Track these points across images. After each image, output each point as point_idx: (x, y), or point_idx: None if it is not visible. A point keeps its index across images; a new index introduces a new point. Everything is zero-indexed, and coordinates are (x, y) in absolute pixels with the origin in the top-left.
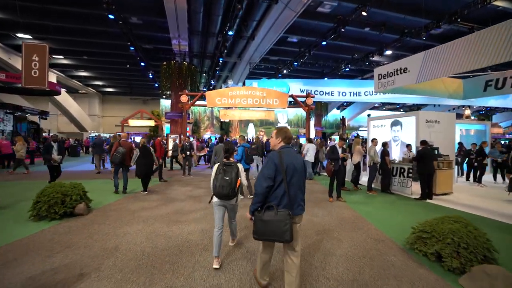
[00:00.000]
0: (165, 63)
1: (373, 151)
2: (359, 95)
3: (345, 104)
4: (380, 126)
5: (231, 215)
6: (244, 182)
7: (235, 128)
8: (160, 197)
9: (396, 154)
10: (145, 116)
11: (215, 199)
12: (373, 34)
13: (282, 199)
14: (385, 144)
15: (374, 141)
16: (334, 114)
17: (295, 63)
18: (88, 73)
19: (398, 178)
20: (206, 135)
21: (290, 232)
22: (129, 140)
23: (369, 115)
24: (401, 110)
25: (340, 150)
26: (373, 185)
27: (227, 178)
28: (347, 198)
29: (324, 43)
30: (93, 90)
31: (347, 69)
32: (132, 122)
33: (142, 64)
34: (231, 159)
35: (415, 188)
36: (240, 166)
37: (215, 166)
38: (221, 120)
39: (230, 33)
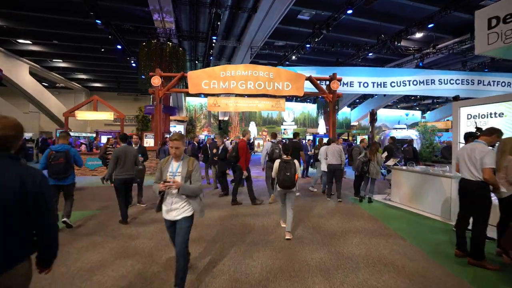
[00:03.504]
0: (144, 43)
1: None
2: (384, 86)
3: (356, 101)
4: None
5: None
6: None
7: (235, 128)
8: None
9: None
10: (108, 109)
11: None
12: (407, 4)
13: None
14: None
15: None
16: (343, 112)
17: (308, 45)
18: (68, 63)
19: None
20: (202, 136)
21: None
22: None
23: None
24: (416, 108)
25: None
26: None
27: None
28: None
29: (349, 11)
30: (78, 85)
31: (370, 54)
32: (83, 115)
33: (119, 47)
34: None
35: None
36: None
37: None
38: (210, 111)
39: None
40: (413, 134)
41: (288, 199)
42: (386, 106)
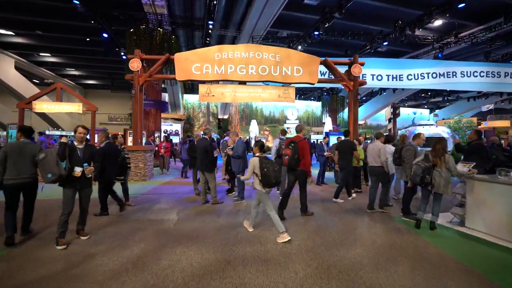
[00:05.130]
0: (132, 29)
1: None
2: (399, 79)
3: (363, 99)
4: None
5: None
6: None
7: (235, 127)
8: None
9: None
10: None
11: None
12: None
13: None
14: None
15: None
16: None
17: (316, 33)
18: (57, 58)
19: None
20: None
21: None
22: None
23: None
24: (425, 106)
25: None
26: None
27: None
28: None
29: None
30: (71, 82)
31: (385, 43)
32: (40, 106)
33: (105, 35)
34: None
35: None
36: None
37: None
38: (209, 110)
39: None
40: (444, 131)
41: (268, 199)
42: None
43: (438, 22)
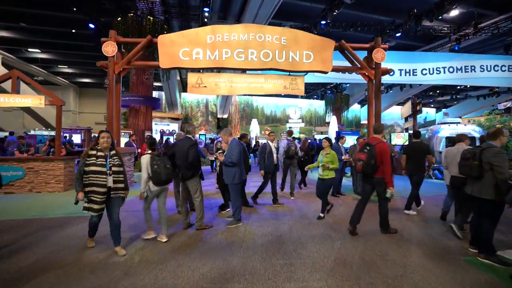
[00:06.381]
0: (119, 18)
1: None
2: (413, 74)
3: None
4: None
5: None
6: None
7: (235, 126)
8: None
9: None
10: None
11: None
12: None
13: None
14: None
15: None
16: (352, 110)
17: (323, 22)
18: (47, 54)
19: None
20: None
21: None
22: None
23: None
24: (431, 106)
25: None
26: None
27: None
28: None
29: None
30: (65, 80)
31: (398, 34)
32: None
33: (92, 26)
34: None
35: None
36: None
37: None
38: (207, 108)
39: None
40: (474, 130)
41: (163, 197)
42: (399, 104)
43: (454, 12)
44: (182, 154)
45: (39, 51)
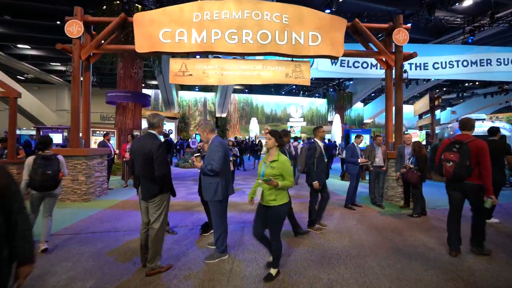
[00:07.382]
0: (104, 7)
1: None
2: (424, 68)
3: (372, 95)
4: None
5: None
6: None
7: (234, 126)
8: None
9: None
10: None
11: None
12: None
13: None
14: None
15: None
16: (355, 109)
17: (327, 11)
18: (37, 51)
19: None
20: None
21: None
22: None
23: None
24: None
25: None
26: None
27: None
28: None
29: None
30: (59, 79)
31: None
32: None
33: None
34: None
35: None
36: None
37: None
38: (205, 106)
39: None
40: (504, 127)
41: (49, 204)
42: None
43: (468, 1)
44: (143, 159)
45: (28, 47)
